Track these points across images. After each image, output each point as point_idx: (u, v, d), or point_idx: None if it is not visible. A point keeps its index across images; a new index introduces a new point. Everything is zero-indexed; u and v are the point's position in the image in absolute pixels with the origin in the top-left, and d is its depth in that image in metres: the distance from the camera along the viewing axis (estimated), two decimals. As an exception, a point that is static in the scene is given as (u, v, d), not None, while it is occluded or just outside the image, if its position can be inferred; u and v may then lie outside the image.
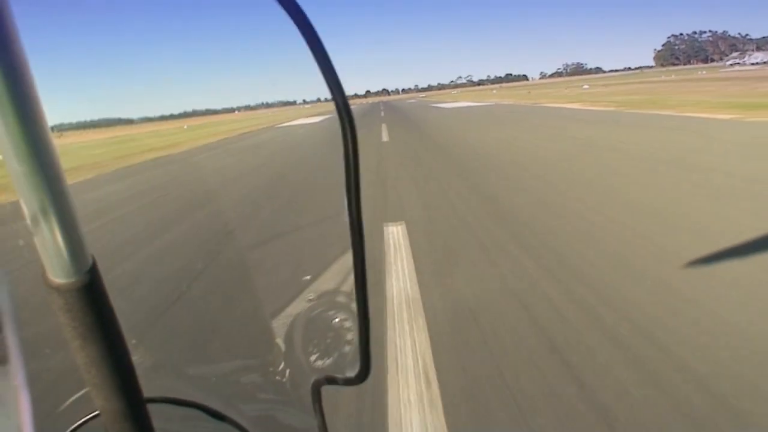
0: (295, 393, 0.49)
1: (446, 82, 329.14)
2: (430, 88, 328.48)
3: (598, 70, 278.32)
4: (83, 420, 0.50)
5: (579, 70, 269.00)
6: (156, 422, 0.38)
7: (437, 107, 32.49)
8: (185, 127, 43.07)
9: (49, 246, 0.29)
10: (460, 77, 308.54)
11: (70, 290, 0.30)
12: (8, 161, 0.27)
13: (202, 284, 2.97)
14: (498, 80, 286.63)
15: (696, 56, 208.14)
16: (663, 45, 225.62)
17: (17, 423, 0.25)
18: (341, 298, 0.48)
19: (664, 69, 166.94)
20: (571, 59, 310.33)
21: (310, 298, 0.51)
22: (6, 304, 0.26)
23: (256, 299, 2.51)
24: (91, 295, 0.31)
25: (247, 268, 3.24)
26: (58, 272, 0.30)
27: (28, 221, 0.28)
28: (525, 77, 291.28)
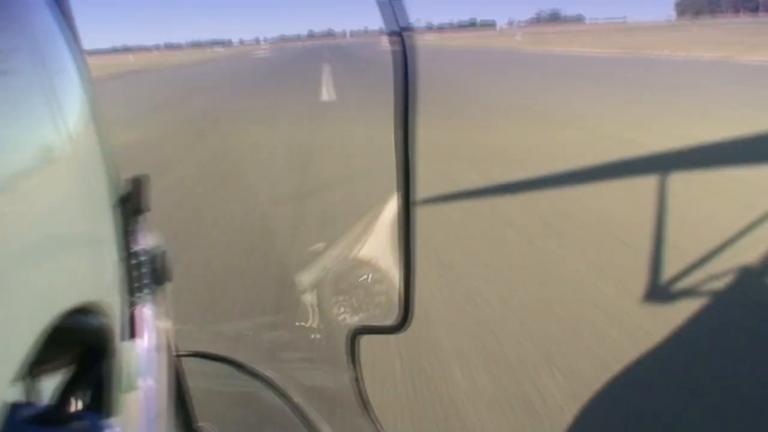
0: (327, 349, 0.54)
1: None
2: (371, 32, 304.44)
3: (579, 18, 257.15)
4: None
5: (555, 18, 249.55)
6: (188, 376, 0.36)
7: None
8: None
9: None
10: (419, 19, 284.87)
11: None
12: None
13: (227, 239, 3.00)
14: (462, 27, 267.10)
15: (743, 6, 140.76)
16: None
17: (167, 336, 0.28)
18: (369, 257, 0.45)
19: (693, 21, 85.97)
20: (545, 5, 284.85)
21: (336, 257, 0.49)
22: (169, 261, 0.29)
23: (283, 258, 2.59)
24: None
25: (271, 227, 3.18)
26: None
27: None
28: (492, 24, 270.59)
